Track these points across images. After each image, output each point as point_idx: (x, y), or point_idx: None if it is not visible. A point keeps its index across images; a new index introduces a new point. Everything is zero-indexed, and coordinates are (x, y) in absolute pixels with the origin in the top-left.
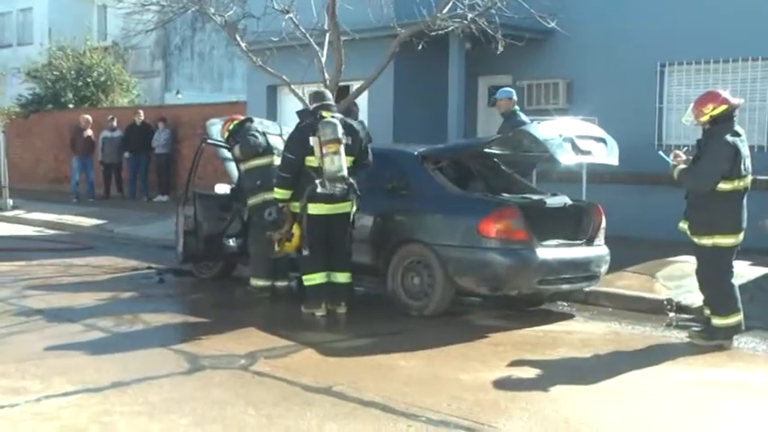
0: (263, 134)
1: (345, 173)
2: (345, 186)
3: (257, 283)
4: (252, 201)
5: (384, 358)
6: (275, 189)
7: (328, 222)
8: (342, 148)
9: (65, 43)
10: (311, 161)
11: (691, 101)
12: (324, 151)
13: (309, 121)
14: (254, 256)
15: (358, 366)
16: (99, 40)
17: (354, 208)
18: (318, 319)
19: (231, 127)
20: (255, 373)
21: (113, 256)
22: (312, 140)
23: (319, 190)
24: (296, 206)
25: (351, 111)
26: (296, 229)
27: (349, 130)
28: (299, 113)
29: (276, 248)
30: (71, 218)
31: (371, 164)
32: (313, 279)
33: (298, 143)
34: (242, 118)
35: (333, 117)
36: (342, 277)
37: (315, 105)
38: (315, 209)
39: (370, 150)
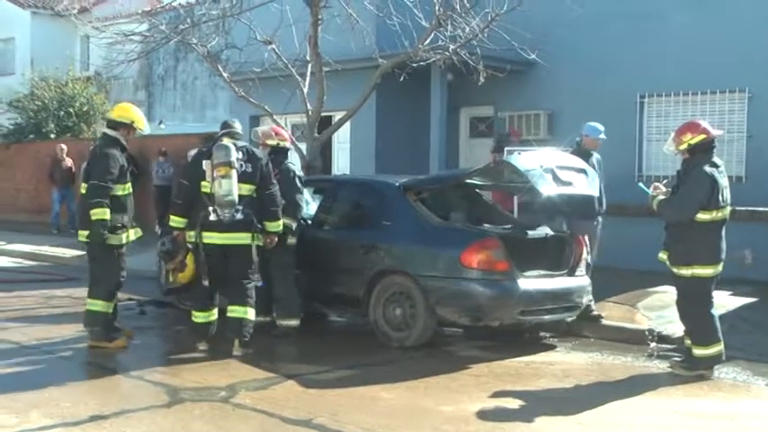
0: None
1: (235, 198)
2: (235, 213)
3: (289, 322)
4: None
5: (365, 390)
6: (170, 216)
7: (224, 254)
8: (233, 173)
9: (47, 73)
10: (205, 186)
11: (669, 132)
12: (213, 174)
13: (208, 146)
14: (281, 296)
15: (339, 398)
16: (81, 71)
17: (256, 241)
18: (297, 351)
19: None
20: (236, 405)
21: None
22: (205, 164)
23: (212, 217)
24: (191, 235)
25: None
26: (189, 260)
27: (250, 157)
28: (205, 142)
29: (170, 279)
30: (51, 249)
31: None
32: (197, 317)
33: (191, 168)
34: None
35: (234, 143)
36: (240, 312)
37: (221, 133)
38: (207, 237)
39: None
